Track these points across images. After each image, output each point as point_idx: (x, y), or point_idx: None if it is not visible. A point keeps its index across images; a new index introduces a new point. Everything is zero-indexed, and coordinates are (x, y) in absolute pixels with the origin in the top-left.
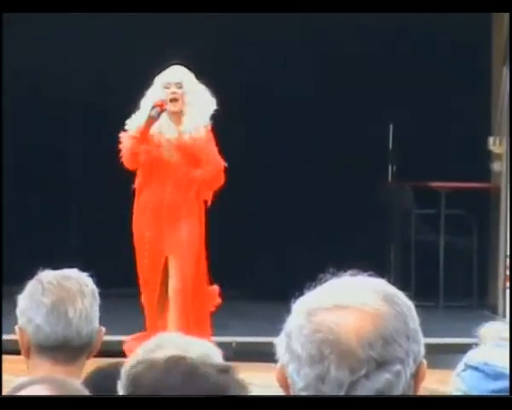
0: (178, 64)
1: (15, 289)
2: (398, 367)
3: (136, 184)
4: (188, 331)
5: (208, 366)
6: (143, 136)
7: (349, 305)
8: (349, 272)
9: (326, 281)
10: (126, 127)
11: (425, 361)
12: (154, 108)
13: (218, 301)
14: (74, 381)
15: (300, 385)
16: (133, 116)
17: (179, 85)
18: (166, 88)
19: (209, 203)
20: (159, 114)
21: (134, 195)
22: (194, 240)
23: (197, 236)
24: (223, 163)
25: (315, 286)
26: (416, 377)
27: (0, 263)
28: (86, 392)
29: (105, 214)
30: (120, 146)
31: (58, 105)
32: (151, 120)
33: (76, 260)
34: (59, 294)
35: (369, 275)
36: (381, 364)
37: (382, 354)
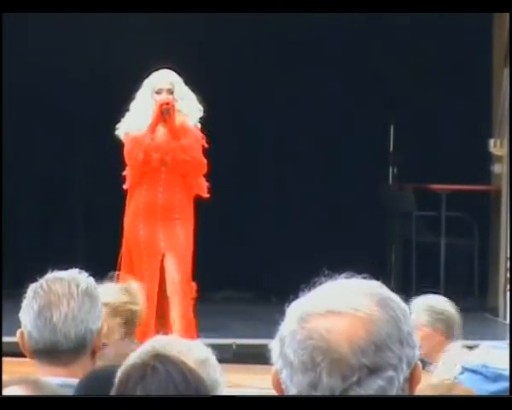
0: (167, 68)
1: (17, 291)
2: (390, 373)
3: (127, 185)
4: (190, 327)
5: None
6: (152, 132)
7: (341, 311)
8: (344, 274)
9: (320, 284)
10: (117, 131)
11: (420, 364)
12: (163, 106)
13: (194, 295)
14: (49, 381)
15: (293, 392)
16: (123, 119)
17: (170, 91)
18: (158, 93)
19: (205, 195)
20: (168, 112)
21: (125, 195)
22: (188, 240)
23: (191, 235)
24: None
25: (309, 290)
26: (412, 380)
27: (0, 264)
28: (61, 392)
29: (110, 215)
30: (129, 146)
31: (61, 110)
32: (160, 116)
33: (80, 262)
34: (46, 298)
35: (364, 277)
36: (373, 370)
37: (374, 360)
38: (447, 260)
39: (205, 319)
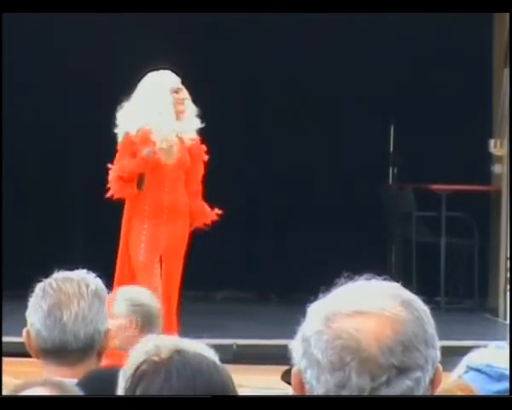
0: (167, 69)
1: (17, 293)
2: (418, 374)
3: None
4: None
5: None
6: (131, 177)
7: (368, 311)
8: (364, 276)
9: (341, 285)
10: (117, 129)
11: (440, 366)
12: (148, 151)
13: (212, 217)
14: (71, 382)
15: (320, 391)
16: (123, 117)
17: (183, 90)
18: (176, 92)
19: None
20: (151, 154)
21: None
22: (185, 241)
23: (187, 237)
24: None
25: (329, 290)
26: (434, 381)
27: (0, 265)
28: (81, 393)
29: (111, 216)
30: (110, 180)
31: (58, 113)
32: (144, 162)
33: (80, 261)
34: (56, 297)
35: (384, 279)
36: (401, 370)
37: (403, 360)
38: (447, 261)
39: (205, 319)
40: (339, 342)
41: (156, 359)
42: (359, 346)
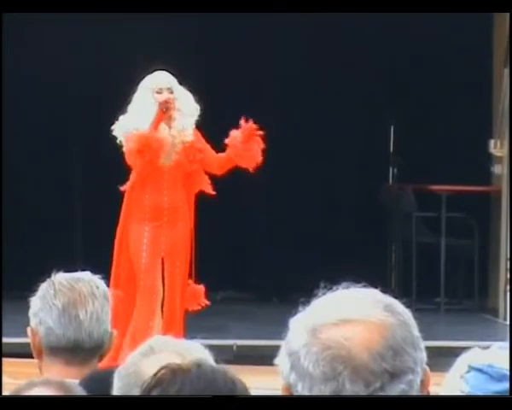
0: (163, 70)
1: (17, 294)
2: (410, 377)
3: (128, 186)
4: (170, 331)
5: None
6: (154, 130)
7: (354, 318)
8: (343, 284)
9: (319, 296)
10: (115, 132)
11: (428, 368)
12: (161, 103)
13: (204, 302)
14: (74, 382)
15: None
16: (118, 121)
17: (170, 91)
18: (158, 93)
19: (208, 191)
20: (167, 109)
21: (123, 196)
22: (187, 242)
23: (189, 237)
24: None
25: (309, 302)
26: (422, 383)
27: (0, 266)
28: (84, 393)
29: (110, 216)
30: (127, 143)
31: (59, 107)
32: (161, 113)
33: (80, 263)
34: (70, 296)
35: (363, 286)
36: (394, 375)
37: (394, 364)
38: (447, 261)
39: (205, 320)
40: (329, 352)
41: (175, 367)
42: (350, 354)
